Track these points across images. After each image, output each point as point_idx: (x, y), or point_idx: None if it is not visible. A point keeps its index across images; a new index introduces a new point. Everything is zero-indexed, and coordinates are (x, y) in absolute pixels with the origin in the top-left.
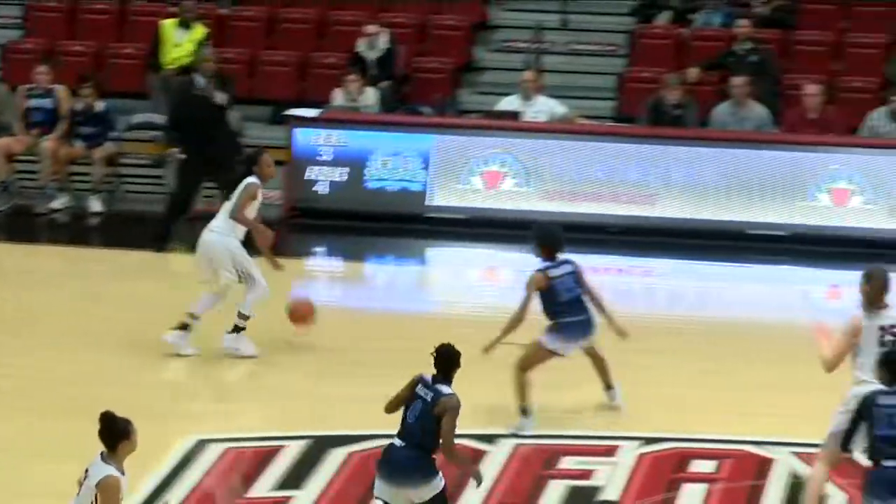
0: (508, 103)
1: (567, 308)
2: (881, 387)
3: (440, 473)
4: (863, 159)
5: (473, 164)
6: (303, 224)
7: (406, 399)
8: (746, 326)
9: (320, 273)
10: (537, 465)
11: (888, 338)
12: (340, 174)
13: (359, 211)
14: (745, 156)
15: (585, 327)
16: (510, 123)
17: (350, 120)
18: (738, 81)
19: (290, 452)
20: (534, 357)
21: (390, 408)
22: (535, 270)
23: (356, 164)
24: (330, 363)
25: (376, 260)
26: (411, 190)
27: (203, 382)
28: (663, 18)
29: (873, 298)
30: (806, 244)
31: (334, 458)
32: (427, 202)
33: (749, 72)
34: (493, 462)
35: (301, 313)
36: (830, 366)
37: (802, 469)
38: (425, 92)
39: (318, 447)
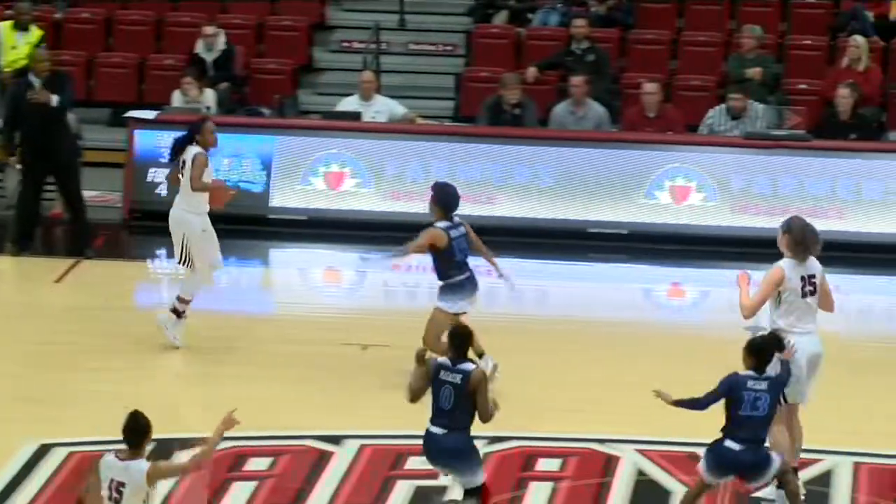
0: (348, 104)
1: (459, 267)
2: (750, 373)
3: (482, 463)
4: (702, 157)
5: (314, 165)
6: (144, 226)
7: (425, 388)
8: (587, 324)
9: (162, 275)
10: (384, 465)
11: (808, 288)
12: None
13: None
14: (585, 155)
15: (474, 284)
16: (350, 124)
17: (190, 121)
18: (576, 81)
19: None
20: (441, 326)
21: (414, 398)
22: (436, 227)
23: None
24: (171, 366)
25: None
26: (252, 191)
27: (43, 387)
28: (500, 18)
29: (793, 249)
30: (646, 242)
31: (180, 461)
32: (268, 203)
33: (586, 71)
34: (340, 463)
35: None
36: (749, 312)
37: (647, 466)
38: (265, 93)
39: (162, 450)
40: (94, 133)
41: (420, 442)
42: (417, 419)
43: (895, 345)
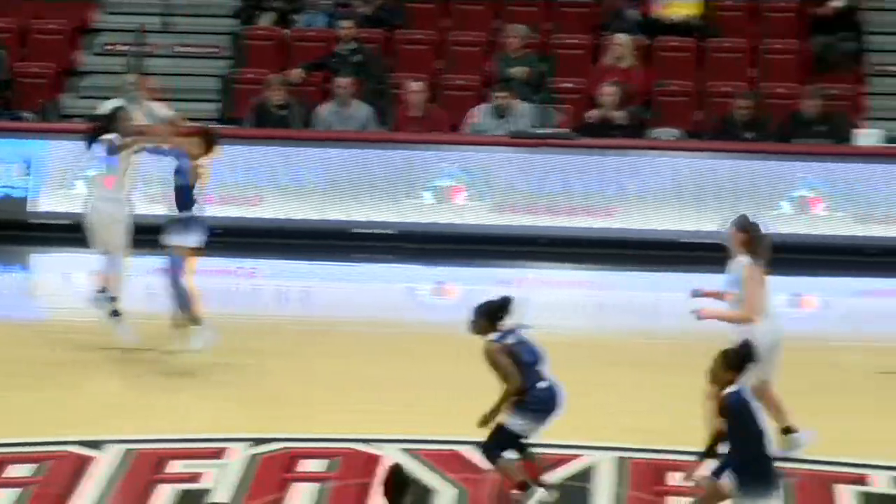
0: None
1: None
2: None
3: None
4: (466, 156)
5: (77, 170)
6: None
7: (512, 363)
8: (353, 324)
9: None
10: (146, 469)
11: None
12: None
13: None
14: (351, 155)
15: (203, 222)
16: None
17: None
18: (341, 82)
19: None
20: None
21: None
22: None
23: None
24: None
25: None
26: (14, 196)
27: None
28: (266, 20)
29: (753, 244)
30: (415, 242)
31: None
32: (30, 208)
33: (353, 72)
34: (102, 468)
35: None
36: (758, 313)
37: (413, 465)
38: (29, 97)
39: None
40: None
41: (182, 446)
42: (181, 423)
43: (662, 341)
